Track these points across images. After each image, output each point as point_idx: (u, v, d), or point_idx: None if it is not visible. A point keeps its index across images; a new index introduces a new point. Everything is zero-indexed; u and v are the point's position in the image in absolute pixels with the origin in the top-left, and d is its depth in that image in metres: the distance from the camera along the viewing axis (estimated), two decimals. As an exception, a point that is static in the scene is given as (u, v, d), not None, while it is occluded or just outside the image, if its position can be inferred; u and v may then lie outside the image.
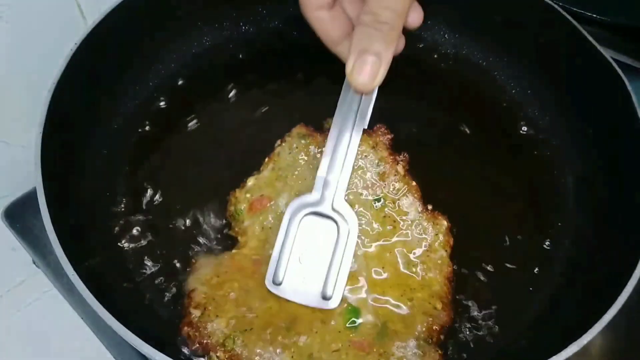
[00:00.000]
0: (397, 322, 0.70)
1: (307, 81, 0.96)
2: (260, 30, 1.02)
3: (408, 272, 0.74)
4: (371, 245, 0.75)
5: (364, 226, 0.75)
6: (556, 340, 0.64)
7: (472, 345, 0.72)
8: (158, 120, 0.91)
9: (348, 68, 0.65)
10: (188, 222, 0.80)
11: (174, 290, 0.74)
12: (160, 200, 0.82)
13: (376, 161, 0.79)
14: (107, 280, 0.72)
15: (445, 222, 0.77)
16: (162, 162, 0.86)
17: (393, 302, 0.72)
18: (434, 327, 0.70)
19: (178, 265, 0.76)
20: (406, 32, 0.73)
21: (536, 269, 0.79)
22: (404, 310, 0.71)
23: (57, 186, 0.69)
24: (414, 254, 0.75)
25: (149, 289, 0.74)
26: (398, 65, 1.01)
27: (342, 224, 0.70)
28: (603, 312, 0.62)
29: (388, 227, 0.76)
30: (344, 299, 0.70)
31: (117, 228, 0.79)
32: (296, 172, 0.79)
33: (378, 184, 0.77)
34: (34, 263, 0.84)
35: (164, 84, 0.95)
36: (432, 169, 0.84)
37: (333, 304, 0.69)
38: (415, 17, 0.72)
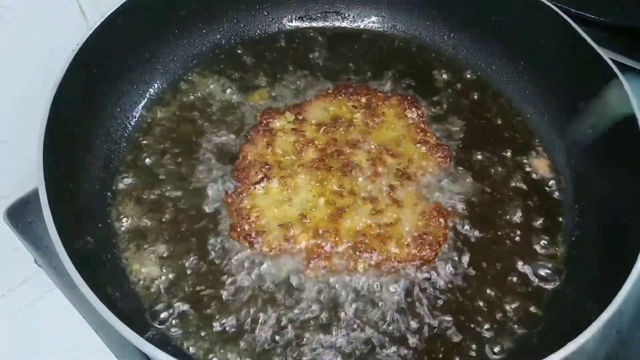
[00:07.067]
0: None
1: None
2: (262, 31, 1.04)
3: None
4: None
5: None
6: (554, 339, 0.65)
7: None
8: (159, 120, 0.92)
9: None
10: (190, 222, 0.81)
11: (172, 289, 0.75)
12: (159, 200, 0.83)
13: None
14: (108, 279, 0.72)
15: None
16: (162, 161, 0.87)
17: None
18: None
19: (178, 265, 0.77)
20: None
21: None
22: None
23: (58, 186, 0.70)
24: None
25: (150, 288, 0.75)
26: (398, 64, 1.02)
27: None
28: (600, 312, 0.62)
29: None
30: None
31: (118, 228, 0.79)
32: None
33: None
34: (36, 262, 0.85)
35: (165, 84, 0.96)
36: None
37: None
38: None
